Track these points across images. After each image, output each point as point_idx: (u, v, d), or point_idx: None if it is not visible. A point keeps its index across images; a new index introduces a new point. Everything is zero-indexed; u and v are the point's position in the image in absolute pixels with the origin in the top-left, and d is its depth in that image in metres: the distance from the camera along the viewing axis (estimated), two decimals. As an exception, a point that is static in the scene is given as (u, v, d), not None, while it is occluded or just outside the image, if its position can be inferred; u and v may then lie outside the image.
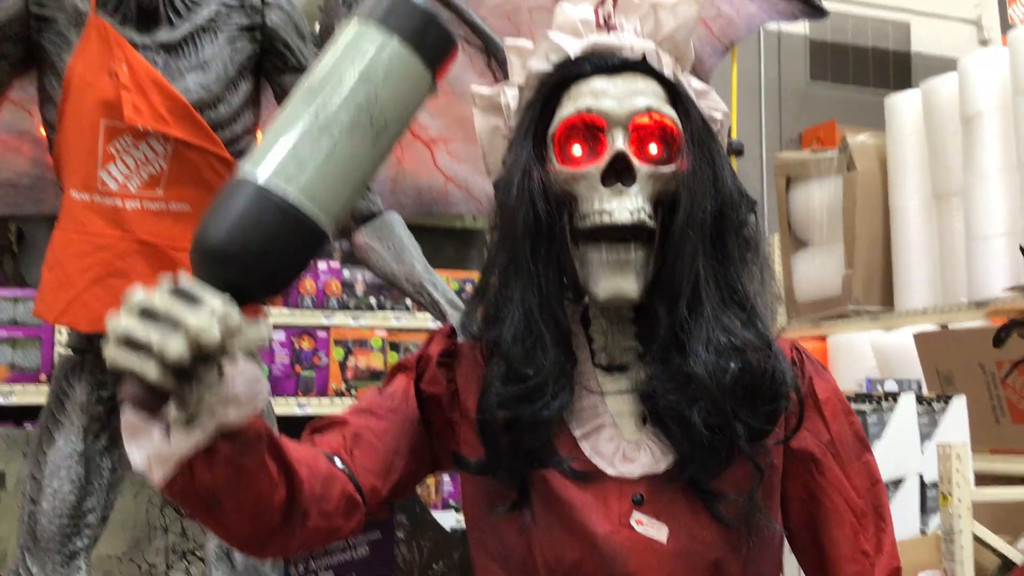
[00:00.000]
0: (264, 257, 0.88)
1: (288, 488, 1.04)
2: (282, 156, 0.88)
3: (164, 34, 1.88)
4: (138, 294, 0.88)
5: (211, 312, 0.86)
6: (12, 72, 1.91)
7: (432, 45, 0.95)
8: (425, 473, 1.28)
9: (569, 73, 1.21)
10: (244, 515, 1.01)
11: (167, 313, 0.85)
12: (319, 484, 1.10)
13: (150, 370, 0.85)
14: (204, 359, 0.86)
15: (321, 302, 4.02)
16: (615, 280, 1.15)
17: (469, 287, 4.05)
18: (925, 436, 2.48)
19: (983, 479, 2.78)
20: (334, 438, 1.19)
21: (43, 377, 3.43)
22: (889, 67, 6.09)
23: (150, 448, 0.93)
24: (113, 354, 0.87)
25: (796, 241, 4.91)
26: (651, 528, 1.14)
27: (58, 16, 1.88)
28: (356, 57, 0.92)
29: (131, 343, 0.86)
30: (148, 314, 0.86)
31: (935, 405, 2.53)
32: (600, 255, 1.16)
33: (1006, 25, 5.44)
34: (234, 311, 0.87)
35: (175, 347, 0.84)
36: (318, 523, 1.10)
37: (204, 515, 1.01)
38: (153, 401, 0.86)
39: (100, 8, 1.86)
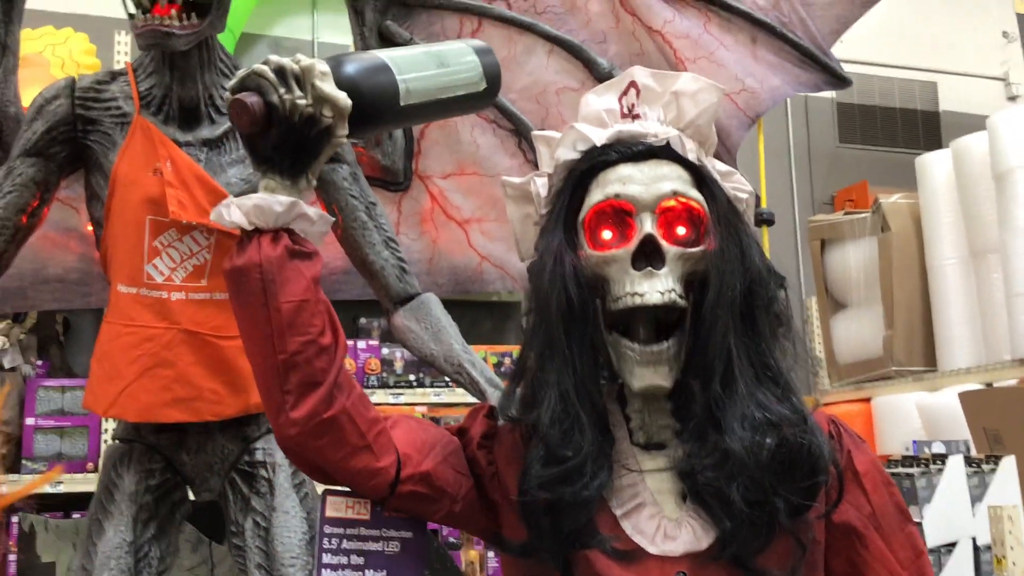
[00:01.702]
0: (369, 93, 1.22)
1: (334, 337, 1.19)
2: (399, 57, 1.28)
3: (206, 131, 1.95)
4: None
5: (312, 59, 1.17)
6: (60, 172, 1.98)
7: (491, 70, 1.41)
8: (460, 499, 1.27)
9: (596, 161, 1.25)
10: (293, 320, 1.15)
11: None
12: (360, 391, 1.22)
13: (263, 67, 1.15)
14: (310, 120, 1.15)
15: (361, 380, 4.05)
16: (649, 374, 1.19)
17: (508, 361, 4.07)
18: (976, 498, 2.44)
19: (1038, 541, 2.71)
20: None
21: (90, 466, 3.47)
22: (918, 127, 6.10)
23: (251, 201, 1.16)
24: (257, 67, 1.16)
25: (834, 303, 4.89)
26: None
27: (103, 118, 1.95)
28: (462, 56, 1.38)
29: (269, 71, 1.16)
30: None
31: (984, 466, 2.49)
32: (634, 351, 1.19)
33: (1034, 81, 5.45)
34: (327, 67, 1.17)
35: (283, 59, 1.16)
36: (355, 412, 1.18)
37: (260, 309, 1.15)
38: (262, 120, 1.15)
39: (144, 109, 1.94)
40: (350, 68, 1.21)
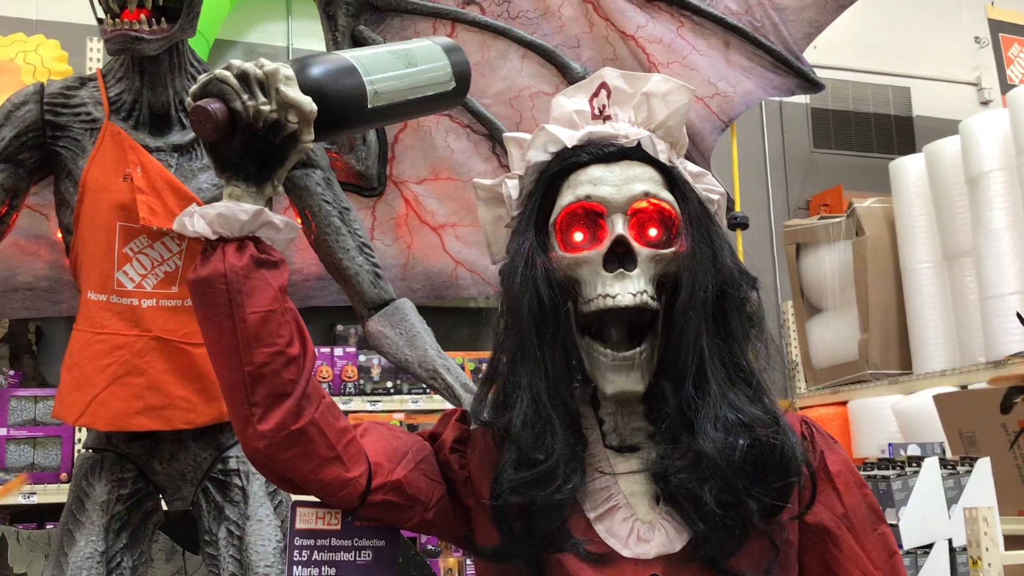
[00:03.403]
0: (335, 96, 1.20)
1: (301, 347, 1.17)
2: (366, 59, 1.26)
3: (176, 136, 1.93)
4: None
5: (276, 63, 1.15)
6: (29, 179, 1.96)
7: (460, 69, 1.40)
8: (432, 506, 1.26)
9: (567, 162, 1.24)
10: (260, 331, 1.13)
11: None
12: (329, 400, 1.20)
13: (225, 73, 1.13)
14: (275, 126, 1.13)
15: (338, 388, 4.03)
16: (622, 380, 1.19)
17: (484, 366, 4.06)
18: (951, 500, 2.45)
19: (1013, 541, 2.73)
20: None
21: (64, 476, 3.43)
22: (892, 131, 6.15)
23: (215, 210, 1.14)
24: (219, 73, 1.13)
25: (810, 307, 4.91)
26: None
27: (73, 123, 1.93)
28: (430, 55, 1.37)
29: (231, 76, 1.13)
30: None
31: (959, 468, 2.50)
32: (607, 358, 1.19)
33: (1006, 86, 5.51)
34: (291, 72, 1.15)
35: (246, 64, 1.13)
36: (324, 424, 1.16)
37: (225, 320, 1.13)
38: (225, 127, 1.12)
39: (114, 114, 1.92)
40: (315, 71, 1.18)
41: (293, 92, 1.14)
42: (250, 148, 1.15)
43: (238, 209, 1.14)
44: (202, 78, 1.16)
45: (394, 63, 1.28)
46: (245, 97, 1.12)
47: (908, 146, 5.87)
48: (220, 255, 1.14)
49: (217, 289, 1.13)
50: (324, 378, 4.00)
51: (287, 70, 1.15)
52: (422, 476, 1.25)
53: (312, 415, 1.16)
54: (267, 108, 1.13)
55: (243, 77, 1.13)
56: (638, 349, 1.18)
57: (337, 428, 1.19)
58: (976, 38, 6.32)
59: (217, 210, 1.14)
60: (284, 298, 1.17)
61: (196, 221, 1.15)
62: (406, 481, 1.22)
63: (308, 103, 1.14)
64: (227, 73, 1.13)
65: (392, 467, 1.22)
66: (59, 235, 2.09)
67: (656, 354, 1.20)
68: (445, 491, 1.27)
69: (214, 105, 1.12)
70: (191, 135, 1.94)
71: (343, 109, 1.20)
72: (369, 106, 1.23)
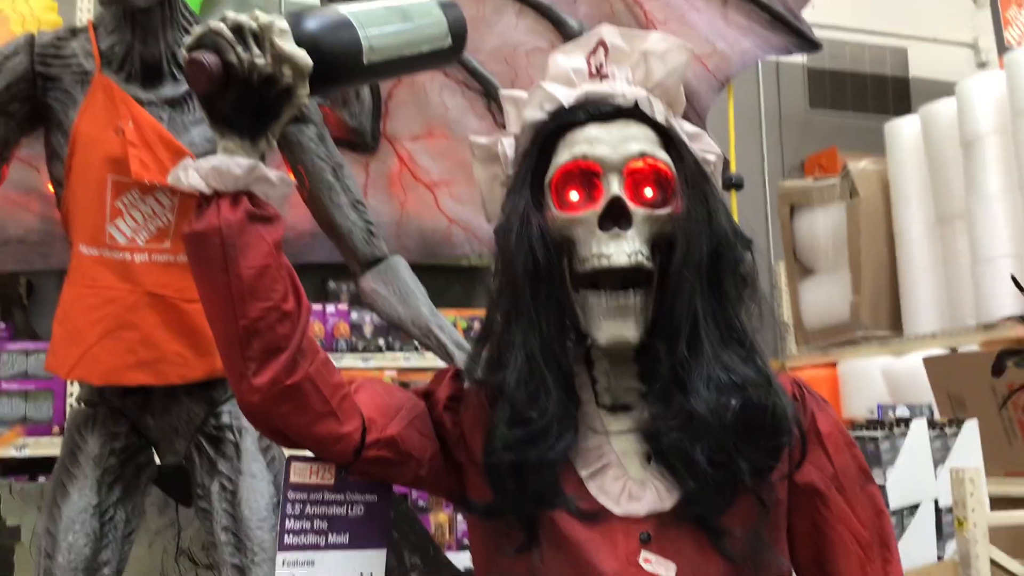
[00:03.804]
0: (330, 50, 1.19)
1: (296, 302, 1.17)
2: (361, 12, 1.24)
3: (169, 89, 1.91)
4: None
5: (271, 16, 1.14)
6: (19, 130, 1.94)
7: (457, 25, 1.38)
8: (425, 463, 1.27)
9: (564, 121, 1.24)
10: (255, 286, 1.13)
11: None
12: (323, 355, 1.20)
13: (219, 24, 1.11)
14: (269, 80, 1.12)
15: (330, 344, 4.04)
16: (615, 325, 1.18)
17: (477, 325, 4.07)
18: (938, 461, 2.47)
19: (998, 503, 2.76)
20: None
21: (56, 429, 3.44)
22: (888, 93, 6.12)
23: (210, 163, 1.13)
24: (213, 25, 1.12)
25: (802, 268, 4.92)
26: (659, 566, 1.15)
27: (64, 75, 1.91)
28: (427, 11, 1.35)
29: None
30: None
31: (947, 430, 2.52)
32: (600, 301, 1.19)
33: (1003, 47, 5.48)
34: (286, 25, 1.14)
35: (241, 16, 1.12)
36: (318, 378, 1.17)
37: (220, 274, 1.13)
38: (219, 80, 1.11)
39: (105, 66, 1.90)
40: (310, 25, 1.18)
41: (288, 46, 1.13)
42: (244, 102, 1.14)
43: (232, 163, 1.14)
44: (196, 30, 1.15)
45: (390, 18, 1.27)
46: (240, 49, 1.11)
47: (904, 107, 5.84)
48: (215, 209, 1.14)
49: (212, 243, 1.13)
50: (316, 335, 4.00)
51: (282, 23, 1.14)
52: (416, 432, 1.25)
53: (307, 370, 1.16)
54: (262, 61, 1.12)
55: (238, 30, 1.12)
56: (632, 293, 1.18)
57: (332, 383, 1.19)
58: (974, -1, 6.28)
59: (212, 163, 1.14)
60: (279, 253, 1.16)
61: (190, 175, 1.15)
62: (400, 437, 1.23)
63: (303, 57, 1.13)
64: (222, 25, 1.12)
65: (386, 423, 1.23)
66: (50, 188, 2.08)
67: (650, 310, 1.20)
68: (438, 448, 1.28)
69: (209, 57, 1.11)
70: (183, 88, 1.92)
71: (338, 64, 1.20)
72: (365, 61, 1.22)
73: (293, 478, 1.24)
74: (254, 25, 1.13)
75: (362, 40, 1.22)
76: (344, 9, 1.24)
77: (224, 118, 1.16)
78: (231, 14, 1.14)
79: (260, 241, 1.15)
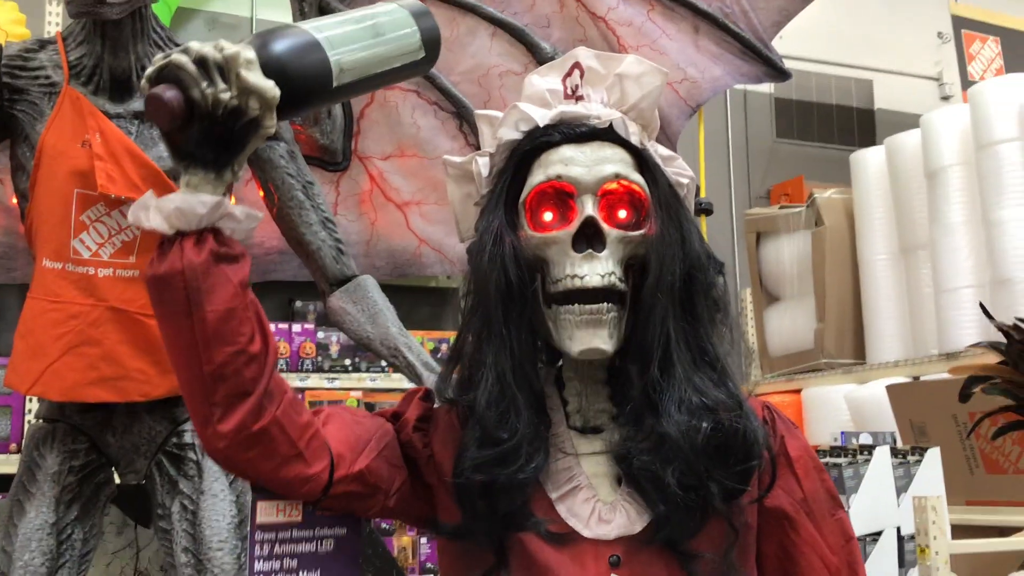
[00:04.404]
0: (298, 76, 1.13)
1: (263, 342, 1.11)
2: (330, 32, 1.19)
3: (137, 103, 1.90)
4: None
5: (236, 46, 1.06)
6: (-16, 142, 1.92)
7: (430, 35, 1.32)
8: (393, 493, 1.25)
9: (539, 142, 1.24)
10: (220, 330, 1.07)
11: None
12: (291, 395, 1.15)
13: (182, 58, 1.04)
14: (235, 112, 1.06)
15: (296, 364, 4.00)
16: (589, 336, 1.17)
17: (444, 347, 4.05)
18: (901, 489, 2.49)
19: (960, 531, 2.78)
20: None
21: (13, 447, 3.38)
22: (853, 124, 6.20)
23: (172, 203, 1.07)
24: (175, 58, 1.05)
25: (768, 296, 4.95)
26: None
27: (31, 87, 1.89)
28: (398, 23, 1.30)
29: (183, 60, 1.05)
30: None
31: (910, 458, 2.54)
32: (573, 313, 1.18)
33: (966, 82, 5.58)
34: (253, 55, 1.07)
35: (205, 47, 1.05)
36: (285, 421, 1.12)
37: (184, 319, 1.07)
38: (182, 116, 1.05)
39: (73, 79, 1.88)
40: (277, 48, 1.12)
41: (254, 77, 1.06)
42: (208, 135, 1.07)
43: (196, 202, 1.07)
44: (157, 59, 1.08)
45: (361, 35, 1.22)
46: (204, 85, 1.04)
47: (869, 138, 5.92)
48: (178, 250, 1.07)
49: (175, 287, 1.07)
50: (281, 354, 3.97)
51: (248, 52, 1.07)
52: (384, 463, 1.23)
53: (274, 414, 1.12)
54: (227, 96, 1.05)
55: (201, 62, 1.05)
56: (605, 304, 1.17)
57: (299, 424, 1.15)
58: (939, 33, 6.38)
59: (175, 204, 1.07)
60: (245, 292, 1.10)
61: (152, 216, 1.08)
62: (368, 470, 1.21)
63: (271, 89, 1.06)
64: (184, 59, 1.05)
65: (354, 458, 1.20)
66: (14, 201, 2.05)
67: (623, 327, 1.19)
68: (407, 476, 1.26)
69: (169, 94, 1.04)
70: (153, 103, 1.90)
71: (307, 89, 1.15)
72: (335, 84, 1.17)
73: (260, 518, 1.21)
74: (219, 57, 1.05)
75: (332, 63, 1.16)
76: (313, 28, 1.18)
77: (187, 152, 1.09)
78: (195, 45, 1.08)
79: (226, 282, 1.08)
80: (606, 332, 1.18)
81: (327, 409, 1.25)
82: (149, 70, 1.08)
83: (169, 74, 1.06)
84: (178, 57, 1.05)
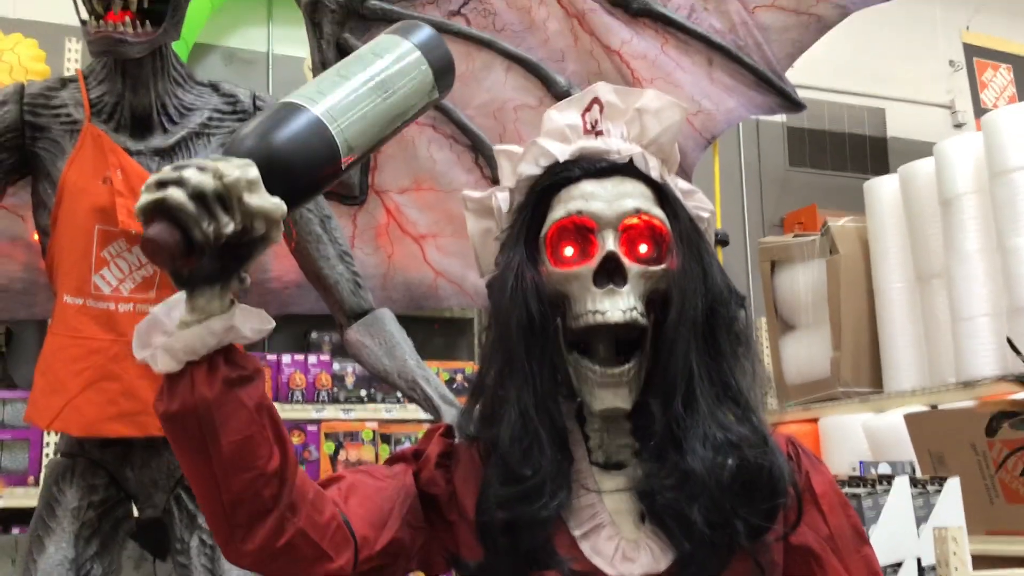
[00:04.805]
0: (304, 171, 1.07)
1: (282, 456, 1.06)
2: (334, 102, 1.10)
3: (158, 140, 1.92)
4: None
5: (237, 166, 0.97)
6: (6, 179, 1.94)
7: (441, 67, 1.24)
8: (415, 554, 1.24)
9: (559, 177, 1.24)
10: (237, 460, 1.02)
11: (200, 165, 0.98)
12: (312, 492, 1.11)
13: (178, 196, 0.94)
14: (242, 233, 0.98)
15: (311, 396, 4.00)
16: (609, 396, 1.18)
17: (459, 377, 4.05)
18: (920, 519, 2.46)
19: (980, 561, 2.75)
20: (329, 488, 1.18)
21: (31, 480, 3.39)
22: (866, 152, 6.21)
23: (180, 343, 1.01)
24: (171, 198, 0.95)
25: (783, 324, 4.94)
26: None
27: (53, 124, 1.91)
28: (408, 70, 1.20)
29: (163, 184, 0.96)
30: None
31: (929, 487, 2.52)
32: (595, 374, 1.18)
33: (979, 110, 5.58)
34: (255, 174, 0.98)
35: (203, 179, 0.95)
36: (308, 527, 1.09)
37: (199, 454, 1.03)
38: (181, 254, 0.96)
39: (95, 116, 1.90)
40: (279, 140, 1.04)
41: (258, 200, 0.98)
42: (211, 259, 1.00)
43: (205, 333, 1.01)
44: (150, 182, 0.98)
45: (369, 97, 1.13)
46: (204, 223, 0.95)
47: (882, 167, 5.92)
48: (188, 384, 1.01)
49: (188, 423, 1.02)
50: (297, 385, 3.97)
51: (250, 172, 0.98)
52: (407, 528, 1.22)
53: (297, 525, 1.09)
54: (231, 228, 0.97)
55: (199, 197, 0.95)
56: (627, 366, 1.18)
57: (322, 525, 1.12)
58: (951, 62, 6.40)
59: (181, 343, 1.01)
60: (261, 414, 1.05)
61: (160, 359, 1.02)
62: (392, 541, 1.19)
63: (276, 208, 0.99)
64: (181, 197, 0.94)
65: (378, 535, 1.18)
66: (35, 237, 2.07)
67: (644, 371, 1.19)
68: (427, 533, 1.24)
69: (166, 235, 0.95)
70: (173, 139, 1.92)
71: (313, 182, 1.08)
72: (343, 166, 1.09)
73: None
74: (219, 187, 0.96)
75: (339, 143, 1.08)
76: (317, 101, 1.08)
77: (189, 279, 1.02)
78: (190, 175, 0.96)
79: (240, 409, 1.03)
80: (626, 390, 1.18)
81: (347, 477, 1.22)
82: (140, 201, 0.97)
83: (165, 211, 0.96)
84: (174, 197, 0.95)
